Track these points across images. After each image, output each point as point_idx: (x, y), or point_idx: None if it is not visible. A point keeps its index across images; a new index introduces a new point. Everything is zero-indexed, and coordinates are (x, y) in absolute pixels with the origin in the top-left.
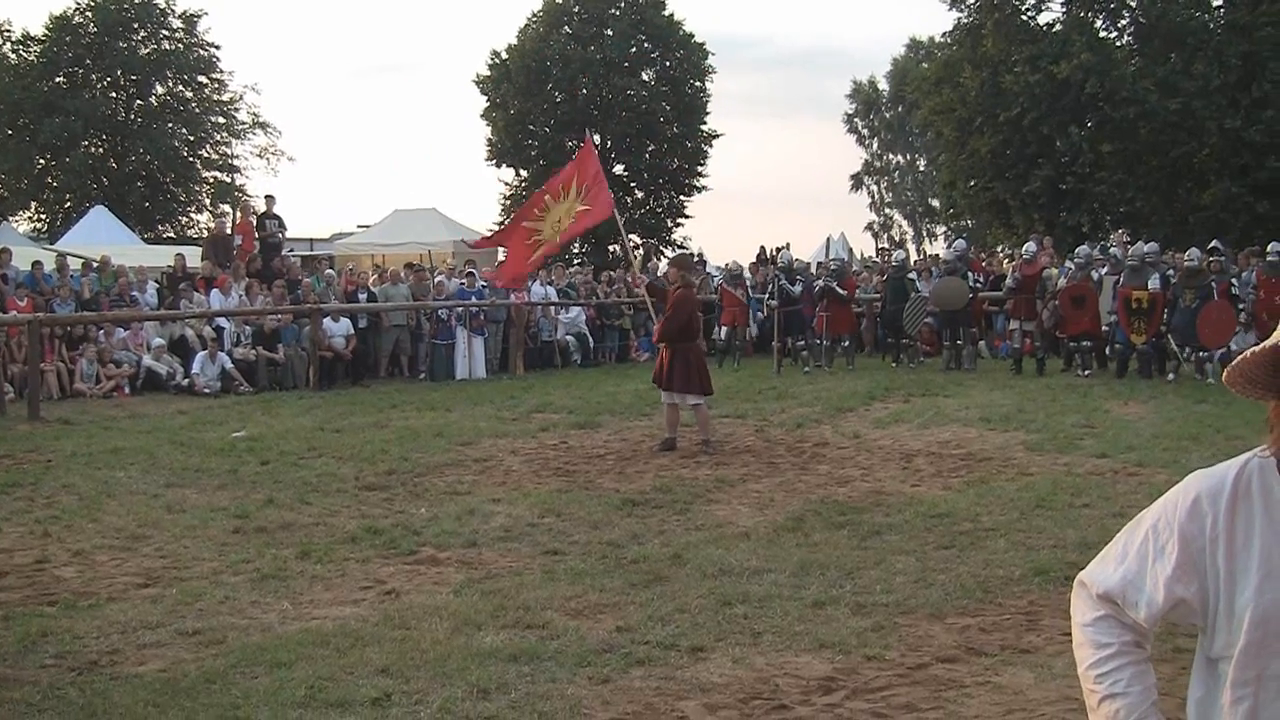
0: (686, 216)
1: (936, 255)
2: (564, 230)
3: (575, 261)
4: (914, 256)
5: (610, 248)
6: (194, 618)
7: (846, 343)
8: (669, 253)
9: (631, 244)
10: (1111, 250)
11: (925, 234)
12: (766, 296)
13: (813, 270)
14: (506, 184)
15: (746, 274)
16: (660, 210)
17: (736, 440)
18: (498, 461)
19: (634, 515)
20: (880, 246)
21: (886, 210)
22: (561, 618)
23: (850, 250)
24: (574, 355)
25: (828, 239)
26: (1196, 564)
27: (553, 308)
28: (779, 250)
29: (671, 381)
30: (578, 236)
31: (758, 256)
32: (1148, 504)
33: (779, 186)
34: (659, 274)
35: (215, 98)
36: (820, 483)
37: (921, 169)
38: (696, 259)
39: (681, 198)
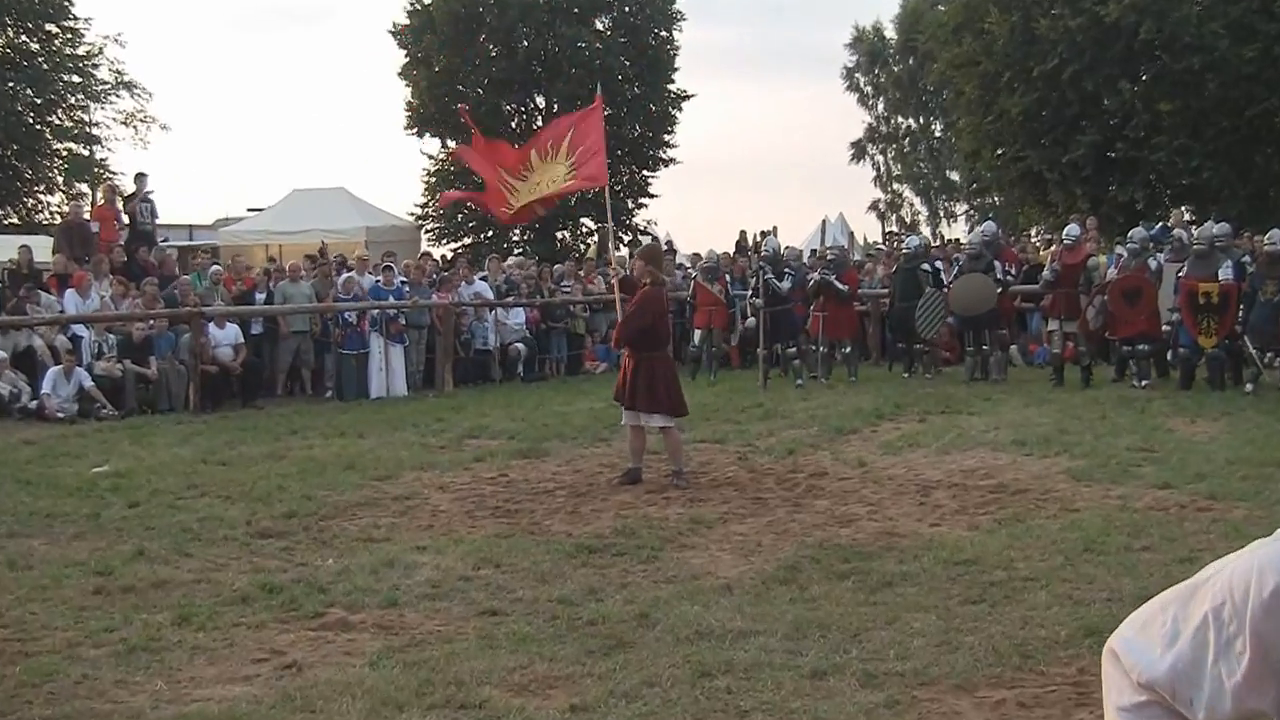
0: (650, 195)
1: (957, 241)
2: (543, 196)
3: (515, 251)
4: (930, 242)
5: (559, 234)
6: (43, 704)
7: (847, 349)
8: (629, 241)
9: (597, 232)
10: (1173, 233)
11: (943, 215)
12: (749, 293)
13: (805, 261)
14: (431, 157)
15: (724, 265)
16: (618, 188)
17: (715, 470)
18: (423, 500)
19: (590, 565)
20: (888, 230)
21: (895, 186)
22: (502, 695)
23: (851, 235)
24: (517, 367)
25: (823, 222)
26: (1278, 672)
27: (489, 309)
28: (764, 236)
29: (635, 399)
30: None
31: (738, 244)
32: (1223, 547)
33: (763, 158)
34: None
35: (68, 51)
36: (818, 522)
37: (938, 135)
38: (665, 249)
39: (644, 173)
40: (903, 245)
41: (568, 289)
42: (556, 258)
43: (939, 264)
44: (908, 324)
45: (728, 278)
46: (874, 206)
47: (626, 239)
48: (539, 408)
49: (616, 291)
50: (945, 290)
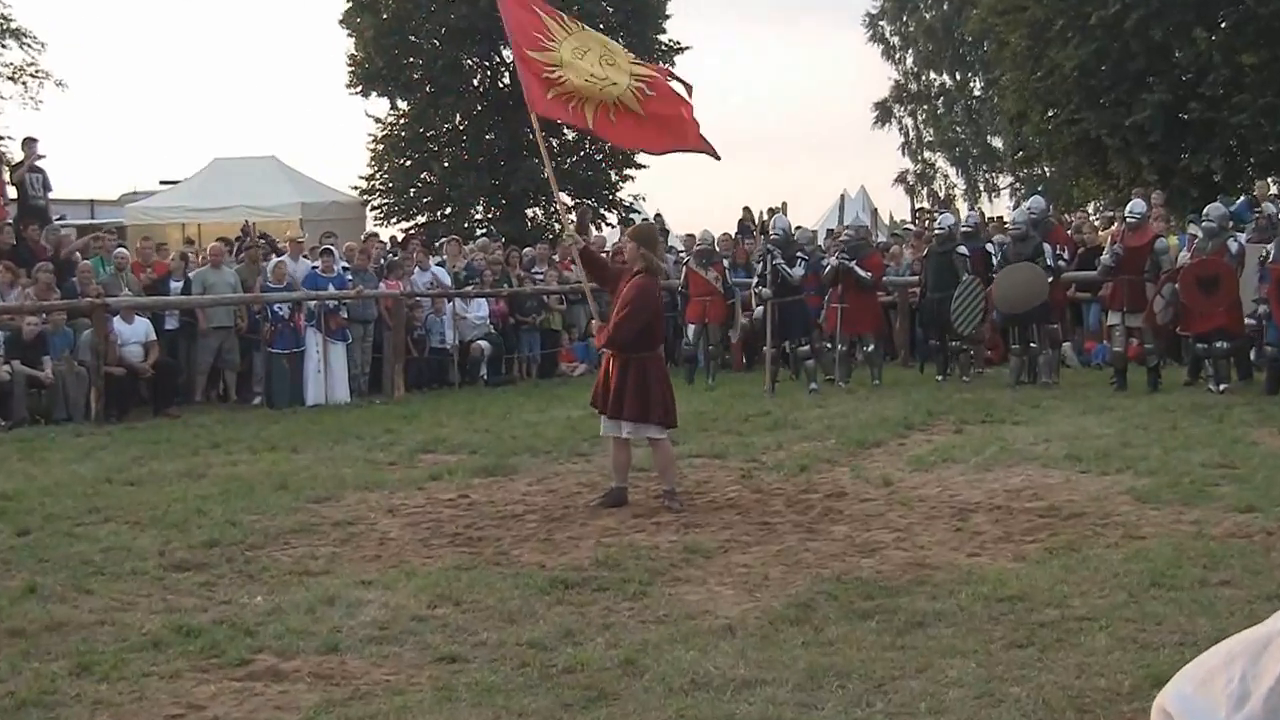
0: (638, 166)
1: (1000, 219)
2: (608, 100)
3: (478, 231)
4: (963, 219)
5: (530, 212)
6: None
7: (870, 347)
8: (612, 219)
9: (563, 207)
10: (1258, 208)
11: (984, 188)
12: (755, 282)
13: (820, 243)
14: (378, 120)
15: (722, 248)
16: (599, 157)
17: (714, 490)
18: (368, 526)
19: (567, 602)
20: (919, 207)
21: (926, 154)
22: None
23: (875, 213)
24: (480, 369)
25: (841, 197)
26: None
27: (447, 300)
28: (772, 214)
29: (621, 406)
30: (647, 148)
31: (741, 224)
32: None
33: (771, 122)
34: (604, 248)
35: None
36: (836, 551)
37: (977, 94)
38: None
39: None
40: (935, 224)
41: (540, 276)
42: (527, 239)
43: (989, 245)
44: (942, 317)
45: (725, 263)
46: (901, 179)
47: (612, 218)
48: (506, 417)
49: (583, 272)
50: (991, 279)
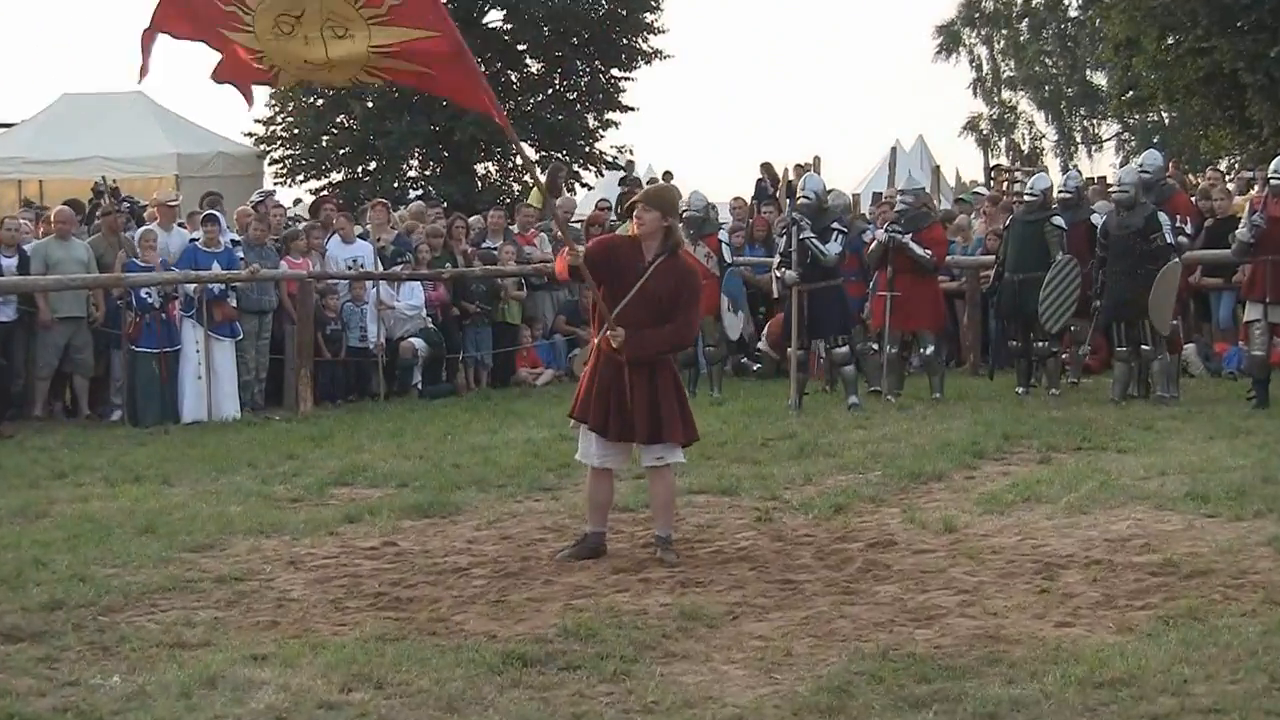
0: (623, 109)
1: (1101, 180)
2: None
3: (412, 193)
4: (1061, 182)
5: (480, 168)
6: None
7: (929, 349)
8: (588, 178)
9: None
10: None
11: (1082, 139)
12: (776, 262)
13: (865, 211)
14: None
15: (728, 218)
16: (574, 99)
17: (721, 538)
18: (264, 582)
19: (526, 685)
20: (994, 164)
21: (1005, 94)
22: None
23: (936, 171)
24: (414, 375)
25: (892, 150)
26: None
27: (370, 284)
28: (800, 173)
29: (658, 422)
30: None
31: (759, 185)
32: None
33: (798, 52)
34: (601, 227)
35: None
36: (881, 619)
37: (1073, 13)
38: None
39: (613, 72)
40: (1023, 187)
41: (493, 252)
42: (476, 203)
43: (1095, 216)
44: (1025, 307)
45: (723, 235)
46: (972, 127)
47: (589, 176)
48: (447, 438)
49: (588, 276)
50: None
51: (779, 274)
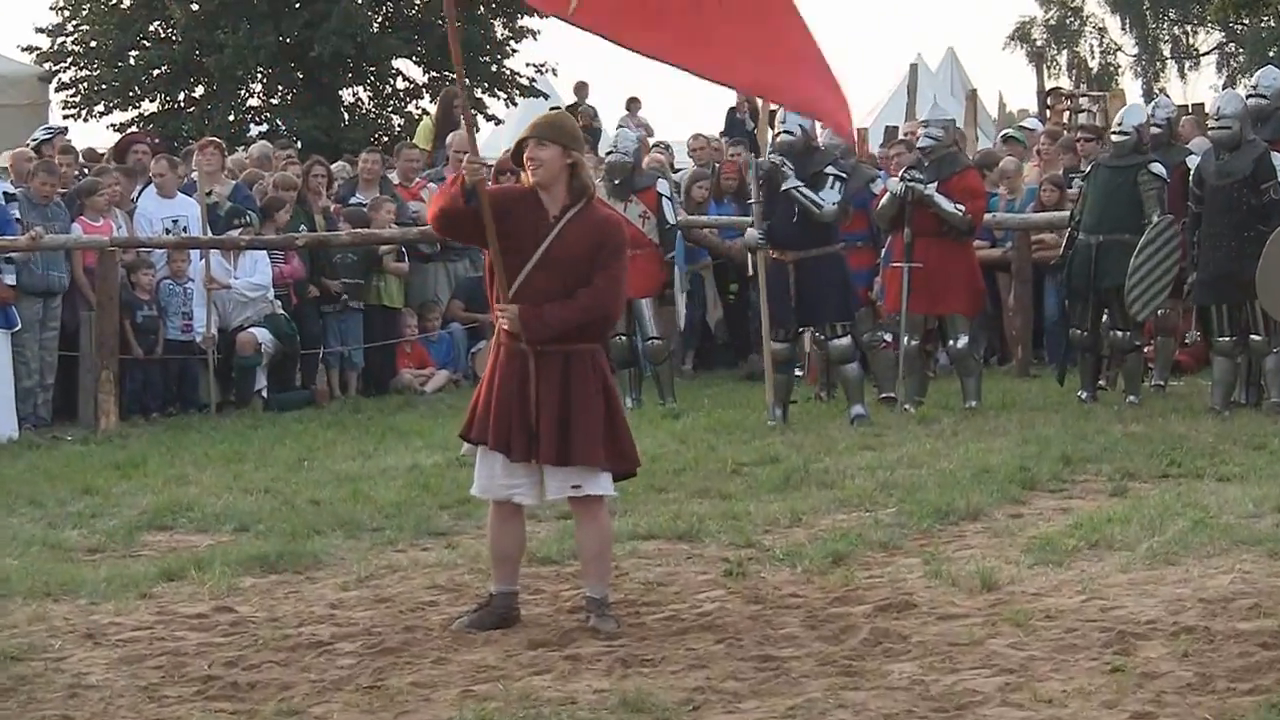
0: (543, 14)
1: (1200, 108)
2: None
3: (253, 128)
4: (1150, 113)
5: (346, 93)
6: None
7: (962, 341)
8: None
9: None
10: None
11: (1171, 53)
12: (757, 234)
13: (873, 152)
14: None
15: (688, 163)
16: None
17: (678, 599)
18: (51, 662)
19: None
20: (1052, 87)
21: None
22: None
23: (972, 97)
24: (256, 379)
25: (912, 68)
26: None
27: (197, 255)
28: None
29: (563, 440)
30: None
31: (730, 118)
32: None
33: None
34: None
35: None
36: (895, 709)
37: None
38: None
39: None
40: (1089, 118)
41: (360, 206)
42: (342, 144)
43: (1191, 158)
44: (1103, 284)
45: (663, 188)
46: (1020, 36)
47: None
48: (302, 465)
49: (487, 217)
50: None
51: (749, 240)
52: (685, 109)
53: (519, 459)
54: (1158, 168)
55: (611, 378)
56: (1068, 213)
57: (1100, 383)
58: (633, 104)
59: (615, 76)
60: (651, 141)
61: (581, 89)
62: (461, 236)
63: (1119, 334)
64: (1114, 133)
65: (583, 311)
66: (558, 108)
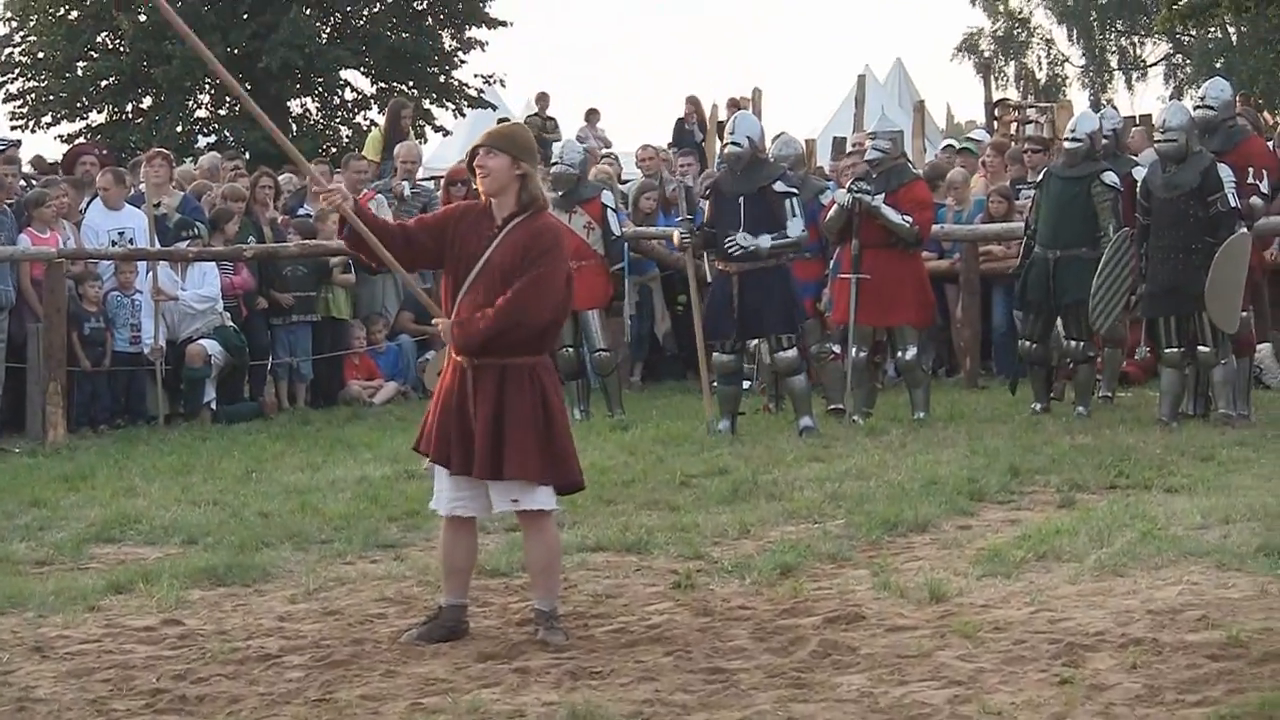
0: (491, 23)
1: (1147, 119)
2: None
3: (202, 141)
4: (1100, 123)
5: (295, 104)
6: None
7: (909, 352)
8: (444, 118)
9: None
10: None
11: (1118, 64)
12: (680, 232)
13: (822, 165)
14: None
15: (636, 174)
16: (423, 9)
17: (626, 611)
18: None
19: None
20: (1000, 98)
21: (1010, 2)
22: None
23: (920, 108)
24: (205, 391)
25: (859, 79)
26: None
27: (145, 267)
28: (734, 110)
29: (495, 454)
30: None
31: (679, 128)
32: None
33: None
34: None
35: None
36: None
37: None
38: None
39: None
40: (1036, 129)
41: (308, 217)
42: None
43: (1138, 170)
44: (1064, 299)
45: (608, 200)
46: (968, 47)
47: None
48: (251, 478)
49: (369, 241)
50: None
51: (682, 238)
52: (632, 119)
53: (457, 472)
54: (1110, 177)
55: (555, 391)
56: (1016, 224)
57: (1051, 394)
58: (592, 115)
59: (566, 88)
60: (604, 152)
61: (542, 99)
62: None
63: (1074, 344)
64: (1066, 139)
65: (501, 316)
66: (506, 119)
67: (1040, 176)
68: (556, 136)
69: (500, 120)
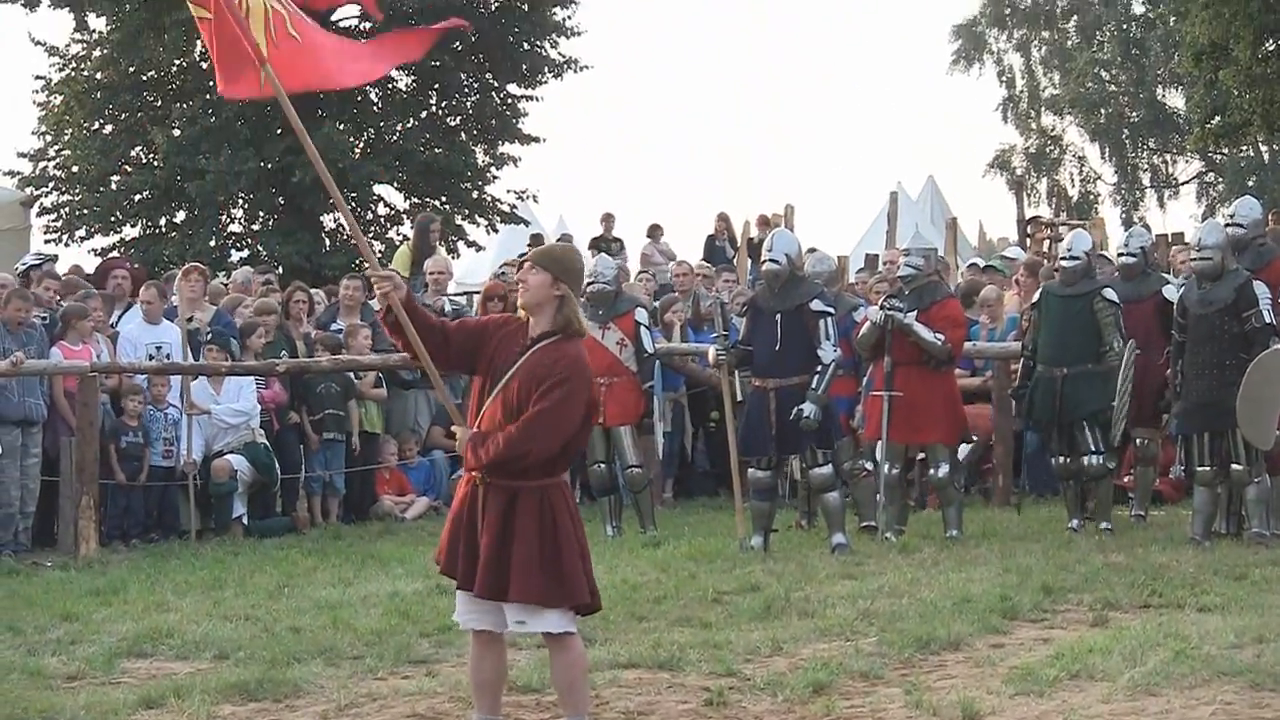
0: (524, 139)
1: (1179, 237)
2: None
3: (235, 256)
4: (1121, 241)
5: (327, 219)
6: None
7: (942, 469)
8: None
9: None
10: None
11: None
12: (713, 337)
13: (855, 278)
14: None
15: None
16: (456, 125)
17: None
18: None
19: None
20: (1032, 216)
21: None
22: None
23: (952, 225)
24: (236, 505)
25: (892, 196)
26: None
27: (177, 379)
28: (766, 228)
29: (501, 575)
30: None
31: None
32: None
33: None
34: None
35: None
36: None
37: (1138, 10)
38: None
39: (509, 91)
40: (1059, 246)
41: (338, 333)
42: (324, 271)
43: (1169, 288)
44: (1074, 415)
45: (641, 317)
46: (1000, 163)
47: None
48: (283, 592)
49: (406, 332)
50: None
51: (719, 354)
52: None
53: (464, 587)
54: (1110, 293)
55: (567, 512)
56: None
57: (1085, 512)
58: (655, 230)
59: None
60: (673, 264)
61: (607, 220)
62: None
63: (1095, 459)
64: (1063, 258)
65: (510, 444)
66: (539, 235)
67: (1037, 296)
68: (624, 258)
69: (533, 236)
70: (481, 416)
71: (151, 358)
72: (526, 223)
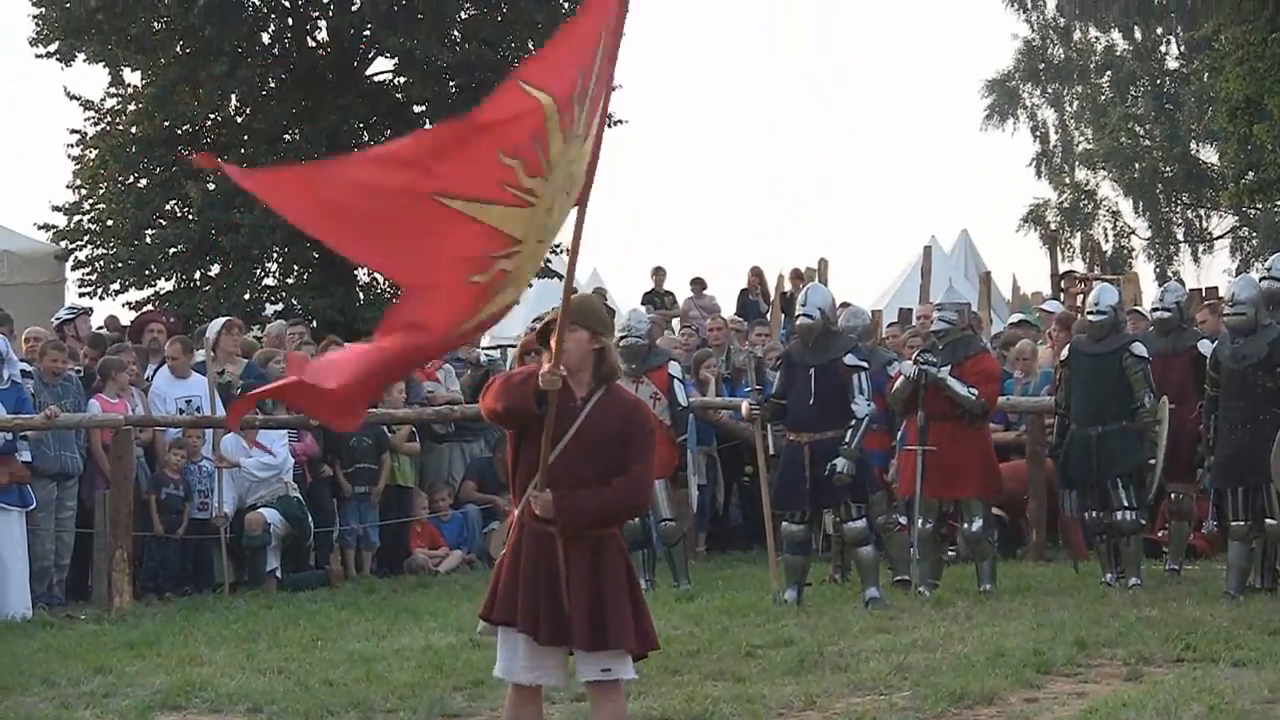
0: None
1: (1213, 292)
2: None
3: (269, 307)
4: (1156, 296)
5: (361, 273)
6: None
7: (976, 524)
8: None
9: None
10: None
11: (1184, 236)
12: (748, 390)
13: (886, 332)
14: (89, 106)
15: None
16: None
17: None
18: None
19: None
20: (1066, 270)
21: (1080, 173)
22: None
23: (986, 279)
24: (269, 558)
25: (926, 250)
26: None
27: (211, 432)
28: (799, 282)
29: (598, 627)
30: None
31: (743, 298)
32: None
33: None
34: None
35: None
36: None
37: (1172, 65)
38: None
39: None
40: (1090, 301)
41: None
42: (356, 322)
43: (1203, 343)
44: (1108, 473)
45: (675, 370)
46: (1034, 218)
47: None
48: (316, 645)
49: (550, 418)
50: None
51: (753, 407)
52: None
53: (547, 643)
54: (1139, 348)
55: (630, 558)
56: None
57: (1120, 566)
58: (697, 284)
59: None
60: (708, 320)
61: (658, 274)
62: (510, 426)
63: (1128, 515)
64: (1090, 313)
65: (616, 502)
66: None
67: (1065, 354)
68: (676, 312)
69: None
70: (550, 475)
71: (182, 411)
72: (560, 276)
